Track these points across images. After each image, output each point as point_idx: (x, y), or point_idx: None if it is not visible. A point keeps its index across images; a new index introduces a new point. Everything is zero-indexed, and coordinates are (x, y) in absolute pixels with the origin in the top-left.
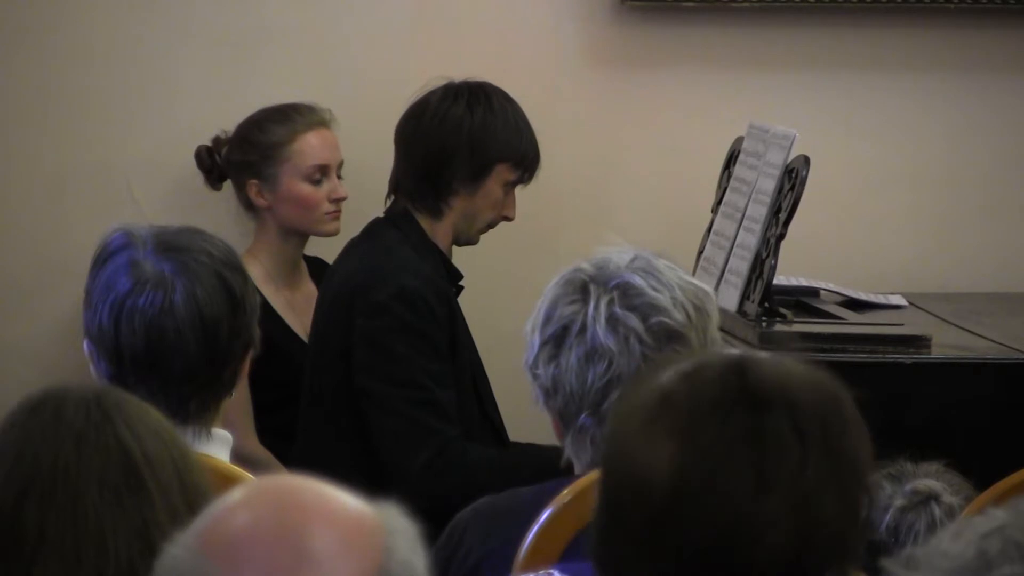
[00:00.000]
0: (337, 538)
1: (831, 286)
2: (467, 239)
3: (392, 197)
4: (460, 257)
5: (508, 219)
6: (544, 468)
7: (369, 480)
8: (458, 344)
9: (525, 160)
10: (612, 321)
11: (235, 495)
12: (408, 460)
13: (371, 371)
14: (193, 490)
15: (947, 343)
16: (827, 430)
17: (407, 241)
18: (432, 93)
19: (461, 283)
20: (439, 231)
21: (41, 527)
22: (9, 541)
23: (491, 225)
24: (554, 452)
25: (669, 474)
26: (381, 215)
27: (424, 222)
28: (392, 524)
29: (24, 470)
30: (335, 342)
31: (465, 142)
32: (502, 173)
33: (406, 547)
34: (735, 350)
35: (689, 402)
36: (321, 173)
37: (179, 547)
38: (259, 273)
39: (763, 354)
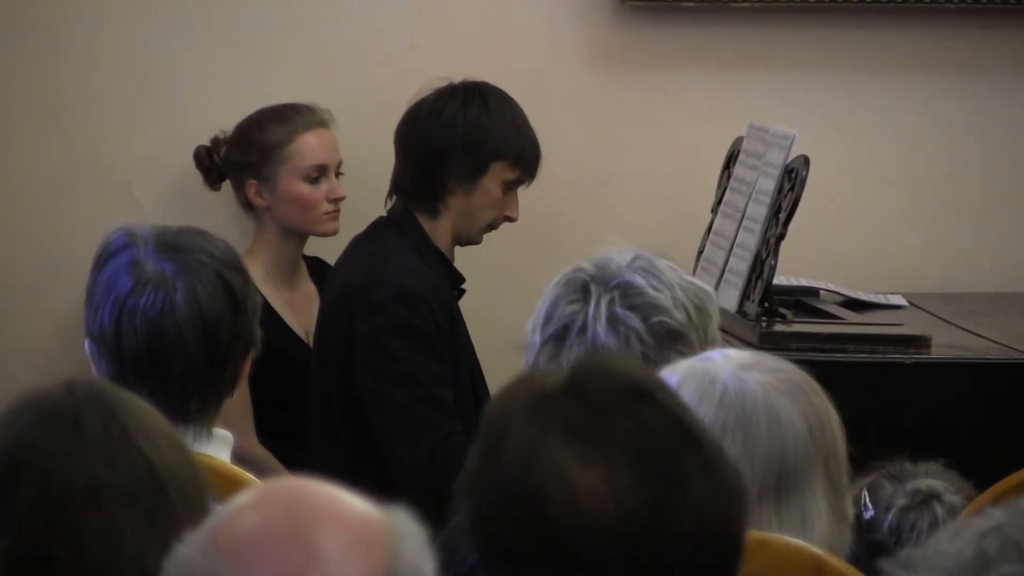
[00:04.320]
0: (346, 539)
1: (831, 286)
2: (469, 239)
3: (392, 199)
4: (460, 256)
5: (511, 219)
6: None
7: (374, 483)
8: (457, 347)
9: (523, 158)
10: (613, 321)
11: (245, 497)
12: (411, 455)
13: (372, 371)
14: (204, 493)
15: (947, 343)
16: None
17: (409, 243)
18: (429, 94)
19: (463, 286)
20: (438, 231)
21: (81, 552)
22: (48, 564)
23: (493, 226)
24: None
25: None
26: (383, 215)
27: (423, 222)
28: (401, 527)
29: (56, 491)
30: (336, 343)
31: (459, 139)
32: (500, 171)
33: (414, 550)
34: (735, 350)
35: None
36: (320, 173)
37: (189, 547)
38: (259, 273)
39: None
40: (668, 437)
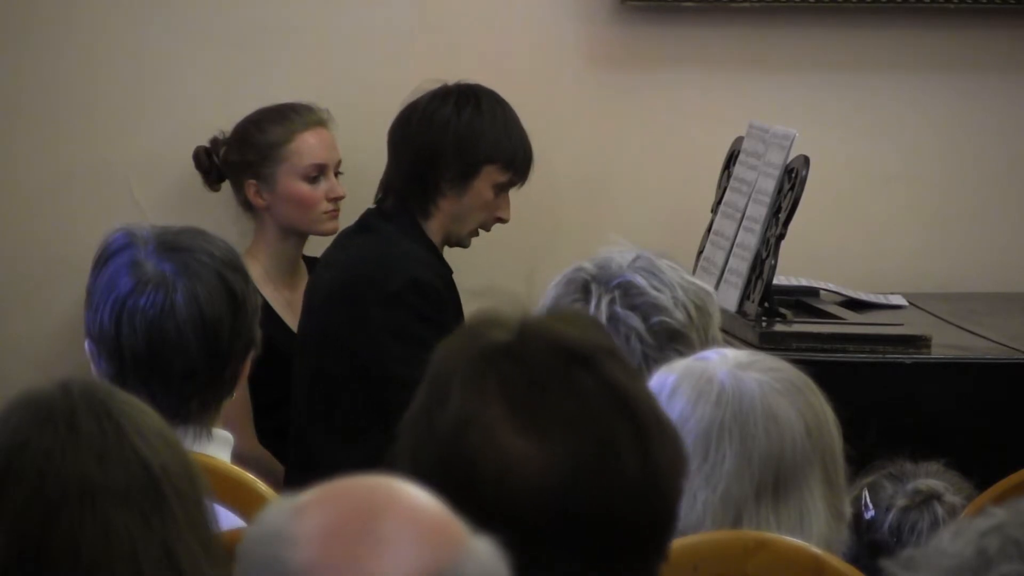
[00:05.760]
0: (410, 530)
1: (831, 286)
2: (458, 240)
3: (380, 197)
4: (461, 256)
5: (502, 221)
6: None
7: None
8: None
9: (515, 162)
10: (613, 320)
11: (344, 480)
12: None
13: (402, 360)
14: (200, 491)
15: (947, 343)
16: None
17: (405, 234)
18: (423, 96)
19: (451, 279)
20: (428, 231)
21: (75, 551)
22: (42, 565)
23: (484, 227)
24: None
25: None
26: (371, 207)
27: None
28: (475, 547)
29: (51, 490)
30: (340, 330)
31: (452, 142)
32: (491, 174)
33: (478, 570)
34: (732, 349)
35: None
36: (319, 172)
37: (280, 506)
38: (258, 273)
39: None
40: (603, 408)
